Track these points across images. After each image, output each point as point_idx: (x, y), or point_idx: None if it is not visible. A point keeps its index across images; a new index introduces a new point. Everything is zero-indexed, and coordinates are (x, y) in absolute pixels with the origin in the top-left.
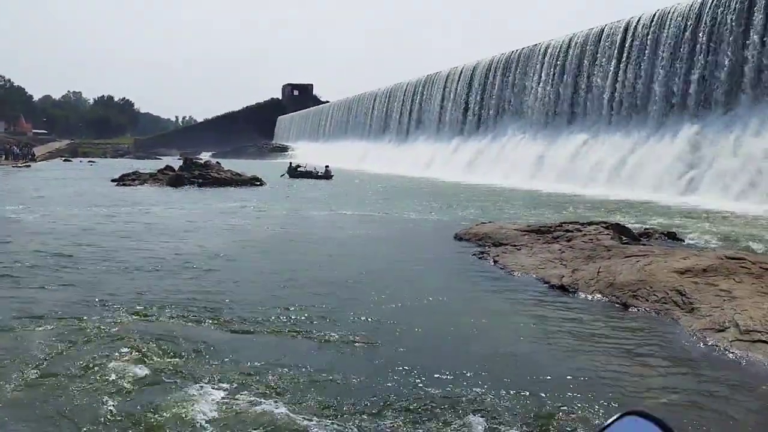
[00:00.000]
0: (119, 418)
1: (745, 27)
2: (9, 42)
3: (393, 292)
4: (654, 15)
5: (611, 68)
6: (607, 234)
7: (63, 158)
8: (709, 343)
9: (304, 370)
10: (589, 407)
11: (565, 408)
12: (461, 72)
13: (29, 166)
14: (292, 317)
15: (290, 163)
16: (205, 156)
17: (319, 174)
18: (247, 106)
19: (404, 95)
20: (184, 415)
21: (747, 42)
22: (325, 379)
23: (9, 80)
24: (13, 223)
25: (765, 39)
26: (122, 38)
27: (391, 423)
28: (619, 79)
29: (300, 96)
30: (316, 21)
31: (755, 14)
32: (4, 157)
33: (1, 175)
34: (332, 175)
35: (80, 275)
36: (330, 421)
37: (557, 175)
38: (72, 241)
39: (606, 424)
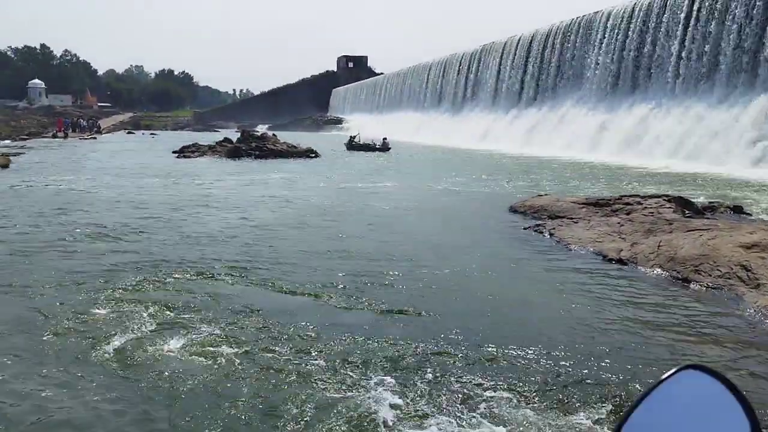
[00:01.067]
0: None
1: None
2: (75, 18)
3: (445, 263)
4: None
5: (677, 34)
6: (669, 207)
7: (126, 131)
8: None
9: (348, 334)
10: (645, 381)
11: (619, 380)
12: (519, 41)
13: (95, 138)
14: (341, 286)
15: (350, 136)
16: (261, 128)
17: (377, 146)
18: (302, 79)
19: (459, 66)
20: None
21: None
22: (367, 342)
23: (75, 55)
24: (85, 194)
25: None
26: (183, 12)
27: (429, 384)
28: (685, 45)
29: (354, 68)
30: None
31: None
32: (71, 129)
33: (71, 148)
34: (390, 148)
35: (137, 243)
36: (367, 379)
37: (618, 147)
38: (139, 211)
39: (664, 377)
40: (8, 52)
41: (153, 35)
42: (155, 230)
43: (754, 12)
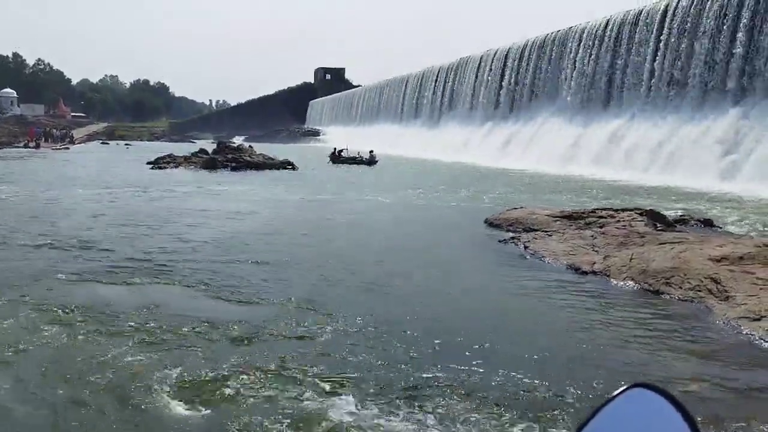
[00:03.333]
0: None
1: None
2: (49, 26)
3: (418, 277)
4: None
5: (649, 51)
6: (641, 220)
7: (100, 141)
8: (744, 332)
9: (315, 347)
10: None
11: (584, 392)
12: (494, 55)
13: (68, 148)
14: (312, 300)
15: (334, 148)
16: (238, 140)
17: (363, 159)
18: (279, 90)
19: (436, 79)
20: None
21: None
22: (332, 357)
23: (48, 64)
24: (48, 205)
25: None
26: (159, 22)
27: (393, 403)
28: (657, 61)
29: (332, 80)
30: (350, 4)
31: None
32: (44, 139)
33: (42, 158)
34: (377, 161)
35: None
36: (331, 397)
37: (592, 160)
38: (95, 224)
39: (613, 395)
40: None
41: (129, 45)
42: (107, 242)
43: (724, 27)
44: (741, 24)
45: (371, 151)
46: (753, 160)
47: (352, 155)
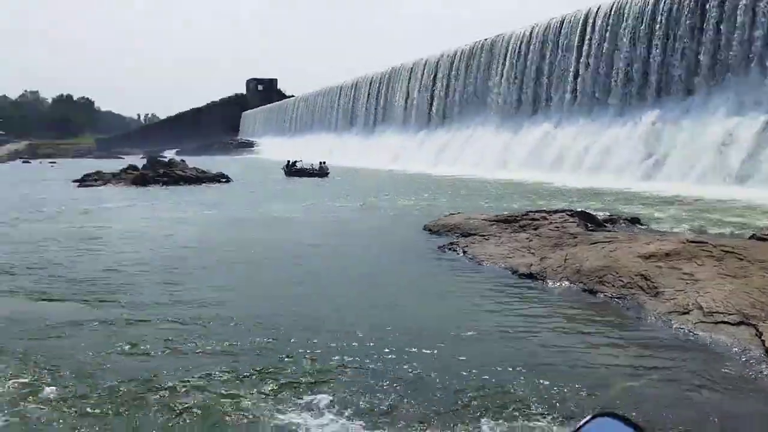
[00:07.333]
0: None
1: (701, 15)
2: None
3: (359, 286)
4: (612, 5)
5: (572, 58)
6: (573, 221)
7: (22, 160)
8: (674, 326)
9: (262, 358)
10: (556, 394)
11: (533, 395)
12: (425, 64)
13: None
14: (256, 313)
15: (288, 160)
16: (169, 154)
17: (315, 171)
18: (211, 102)
19: (369, 88)
20: None
21: (703, 30)
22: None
23: None
24: None
25: (720, 27)
26: (80, 35)
27: (342, 403)
28: (580, 68)
29: (264, 91)
30: (280, 15)
31: (709, 2)
32: None
33: None
34: (328, 172)
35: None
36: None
37: (523, 165)
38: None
39: (578, 425)
40: None
41: (50, 60)
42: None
43: (640, 36)
44: (658, 31)
45: (322, 163)
46: (671, 160)
47: (303, 167)
